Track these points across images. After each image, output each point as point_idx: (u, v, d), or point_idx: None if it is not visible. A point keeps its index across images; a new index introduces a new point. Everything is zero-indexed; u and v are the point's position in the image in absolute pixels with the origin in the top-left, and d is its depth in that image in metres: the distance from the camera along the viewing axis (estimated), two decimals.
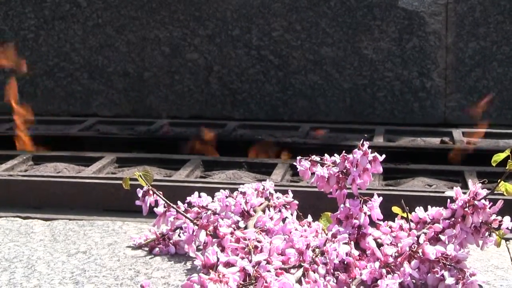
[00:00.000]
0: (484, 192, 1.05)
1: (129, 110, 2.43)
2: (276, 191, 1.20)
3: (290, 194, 1.19)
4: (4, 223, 1.35)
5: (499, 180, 1.05)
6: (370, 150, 1.07)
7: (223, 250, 1.03)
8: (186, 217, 1.15)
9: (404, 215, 1.09)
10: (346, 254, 0.99)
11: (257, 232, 1.04)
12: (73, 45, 2.44)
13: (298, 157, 1.12)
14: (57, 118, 2.34)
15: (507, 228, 1.06)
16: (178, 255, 1.17)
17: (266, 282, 0.90)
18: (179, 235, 1.19)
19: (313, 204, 1.27)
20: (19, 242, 1.25)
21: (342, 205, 1.08)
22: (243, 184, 1.20)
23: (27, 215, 1.40)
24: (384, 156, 1.07)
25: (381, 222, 1.08)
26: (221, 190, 1.18)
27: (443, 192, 1.15)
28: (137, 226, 1.32)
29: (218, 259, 0.94)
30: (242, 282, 0.89)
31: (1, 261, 1.16)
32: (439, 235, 1.05)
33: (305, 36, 2.33)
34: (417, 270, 1.00)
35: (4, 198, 1.50)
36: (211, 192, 1.21)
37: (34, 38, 2.45)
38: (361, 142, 1.07)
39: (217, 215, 1.14)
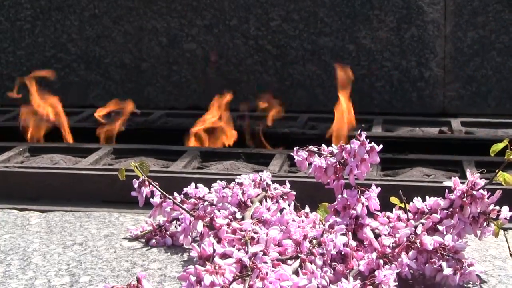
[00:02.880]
0: (482, 182, 1.04)
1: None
2: (273, 181, 1.19)
3: (288, 185, 1.18)
4: (0, 215, 1.35)
5: (497, 170, 1.05)
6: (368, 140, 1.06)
7: (219, 241, 1.02)
8: (182, 208, 1.14)
9: (402, 205, 1.09)
10: (344, 245, 0.99)
11: (254, 223, 1.04)
12: (70, 35, 2.42)
13: (296, 148, 1.11)
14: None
15: (505, 218, 1.05)
16: (174, 246, 1.17)
17: (262, 273, 0.89)
18: (175, 227, 1.19)
19: (310, 195, 1.26)
20: (15, 234, 1.24)
21: (339, 196, 1.07)
22: (240, 175, 1.19)
23: (23, 206, 1.39)
24: (382, 146, 1.07)
25: (378, 213, 1.07)
26: (218, 181, 1.17)
27: (441, 182, 1.15)
28: (134, 218, 1.32)
29: (214, 250, 0.94)
30: (239, 274, 0.89)
31: None
32: (437, 226, 1.04)
33: (303, 26, 2.32)
34: (414, 260, 0.99)
35: (0, 189, 1.49)
36: (208, 183, 1.21)
37: (30, 28, 2.44)
38: (358, 132, 1.06)
39: (213, 206, 1.14)
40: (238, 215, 1.10)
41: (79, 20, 2.41)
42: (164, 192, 1.15)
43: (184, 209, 1.14)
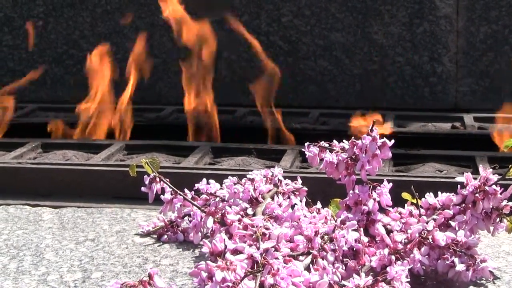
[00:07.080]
0: (495, 177, 1.04)
1: (138, 97, 2.42)
2: (285, 177, 1.19)
3: (299, 181, 1.18)
4: (13, 211, 1.35)
5: (510, 166, 1.04)
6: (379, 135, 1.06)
7: (231, 237, 1.02)
8: (193, 204, 1.14)
9: (414, 201, 1.08)
10: (355, 240, 0.98)
11: (265, 219, 1.04)
12: (82, 32, 2.43)
13: (307, 143, 1.11)
14: (67, 105, 2.33)
15: None
16: (186, 242, 1.17)
17: (274, 269, 0.89)
18: (187, 223, 1.19)
19: (322, 191, 1.26)
20: (27, 230, 1.25)
21: (351, 191, 1.07)
22: (251, 170, 1.19)
23: (36, 202, 1.40)
24: (393, 141, 1.06)
25: (390, 208, 1.07)
26: (229, 177, 1.17)
27: (454, 178, 1.14)
28: (146, 214, 1.32)
29: (225, 246, 0.94)
30: (250, 270, 0.89)
31: (10, 249, 1.16)
32: (449, 221, 1.04)
33: (315, 22, 2.31)
34: (427, 256, 0.99)
35: (13, 185, 1.50)
36: (219, 178, 1.20)
37: (43, 25, 2.44)
38: (370, 127, 1.06)
39: (225, 202, 1.14)
40: (250, 211, 1.10)
41: (91, 17, 2.42)
42: (175, 188, 1.15)
43: (195, 205, 1.14)
